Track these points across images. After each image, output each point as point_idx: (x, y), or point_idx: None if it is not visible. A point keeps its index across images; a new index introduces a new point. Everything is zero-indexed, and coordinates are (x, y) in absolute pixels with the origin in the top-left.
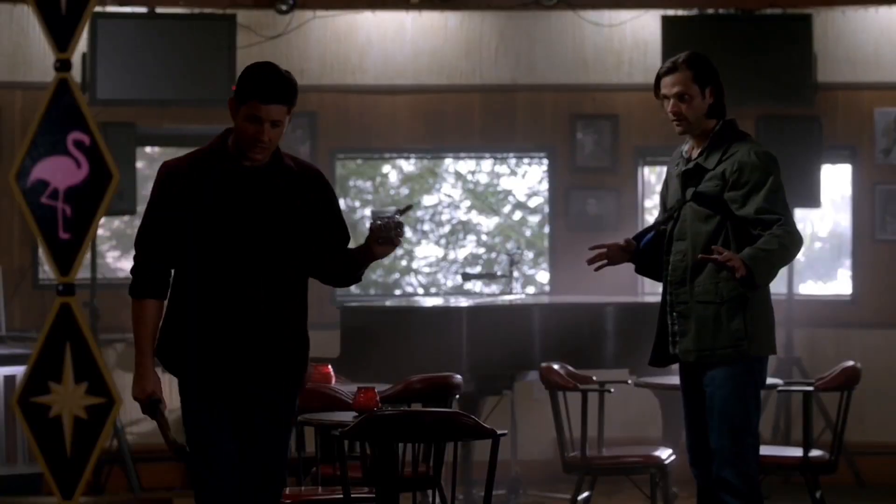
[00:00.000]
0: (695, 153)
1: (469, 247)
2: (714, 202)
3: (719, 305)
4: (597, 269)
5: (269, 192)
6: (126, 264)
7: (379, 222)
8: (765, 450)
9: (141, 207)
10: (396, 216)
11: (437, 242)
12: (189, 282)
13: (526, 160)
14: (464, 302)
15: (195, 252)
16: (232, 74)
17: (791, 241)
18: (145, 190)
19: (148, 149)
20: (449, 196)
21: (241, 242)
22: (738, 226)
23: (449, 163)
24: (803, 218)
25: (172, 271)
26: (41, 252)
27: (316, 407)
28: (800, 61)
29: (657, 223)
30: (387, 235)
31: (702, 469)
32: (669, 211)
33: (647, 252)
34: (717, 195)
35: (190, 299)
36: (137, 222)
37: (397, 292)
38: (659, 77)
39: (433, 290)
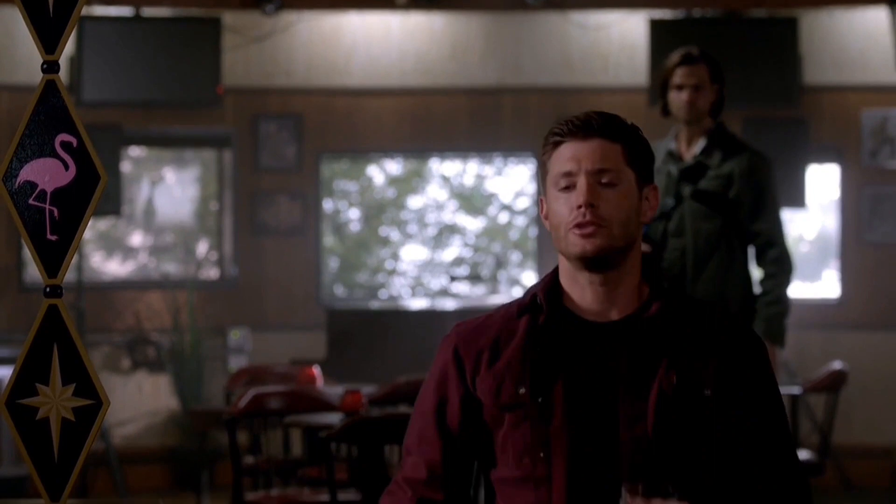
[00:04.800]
0: (689, 150)
1: (455, 249)
2: (716, 201)
3: (724, 297)
4: None
5: (646, 377)
6: (112, 267)
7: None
8: None
9: (127, 209)
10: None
11: (423, 244)
12: None
13: (512, 162)
14: (450, 305)
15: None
16: (217, 75)
17: (791, 274)
18: (130, 193)
19: (134, 151)
20: (435, 198)
21: (606, 472)
22: (741, 225)
23: (435, 165)
24: (790, 220)
25: None
26: (27, 254)
27: (302, 409)
28: (786, 63)
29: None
30: None
31: None
32: (663, 208)
33: None
34: (720, 194)
35: None
36: (122, 223)
37: (383, 294)
38: (673, 66)
39: (419, 291)
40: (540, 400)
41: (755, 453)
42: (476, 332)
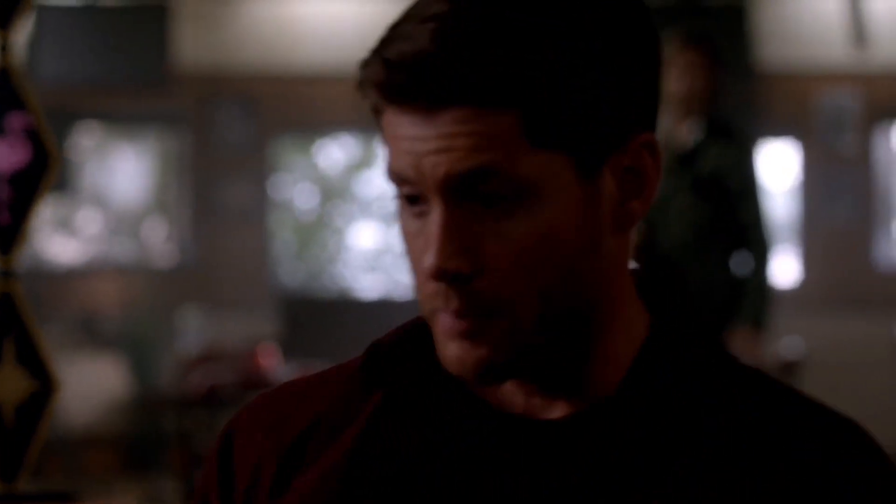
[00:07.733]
0: (684, 136)
1: None
2: (713, 188)
3: (715, 290)
4: None
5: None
6: (65, 249)
7: None
8: None
9: (81, 190)
10: None
11: (377, 225)
12: None
13: None
14: (405, 292)
15: None
16: (167, 57)
17: (771, 259)
18: (83, 174)
19: (87, 133)
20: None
21: None
22: (732, 211)
23: None
24: None
25: None
26: None
27: (255, 390)
28: (740, 46)
29: None
30: None
31: None
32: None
33: None
34: (718, 181)
35: None
36: (75, 205)
37: (338, 276)
38: (669, 50)
39: (373, 273)
40: None
41: None
42: (272, 415)
